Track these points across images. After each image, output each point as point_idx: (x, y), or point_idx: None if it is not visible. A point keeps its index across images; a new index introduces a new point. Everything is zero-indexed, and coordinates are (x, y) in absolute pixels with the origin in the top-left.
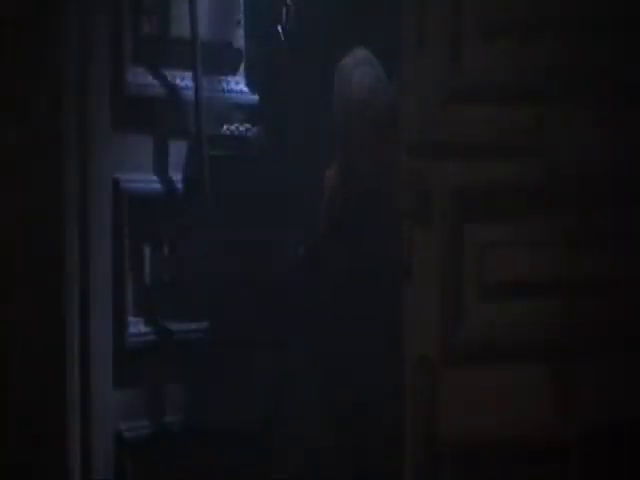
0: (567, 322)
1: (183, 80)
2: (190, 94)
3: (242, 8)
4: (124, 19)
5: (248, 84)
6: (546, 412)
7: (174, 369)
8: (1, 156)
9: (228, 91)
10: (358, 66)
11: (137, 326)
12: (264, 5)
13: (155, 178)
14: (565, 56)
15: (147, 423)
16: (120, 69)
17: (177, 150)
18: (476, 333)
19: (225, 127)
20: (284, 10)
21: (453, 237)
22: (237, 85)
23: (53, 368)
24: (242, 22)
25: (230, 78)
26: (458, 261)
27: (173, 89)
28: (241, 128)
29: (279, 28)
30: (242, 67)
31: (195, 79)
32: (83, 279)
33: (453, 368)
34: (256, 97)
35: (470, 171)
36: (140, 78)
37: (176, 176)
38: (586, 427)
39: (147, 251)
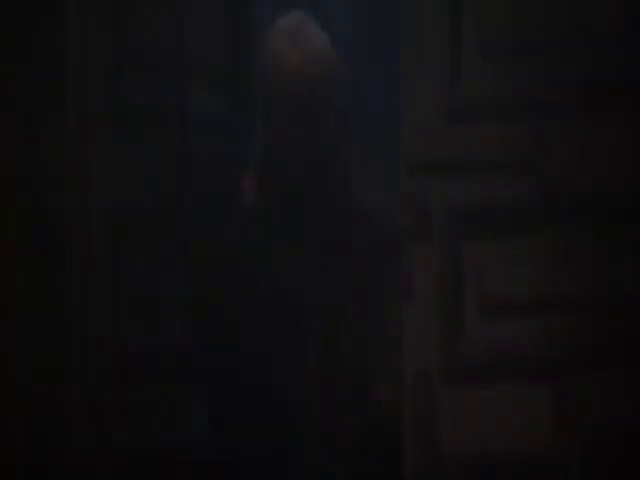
0: (567, 339)
1: (168, 96)
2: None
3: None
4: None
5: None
6: (547, 429)
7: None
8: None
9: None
10: (297, 31)
11: (135, 342)
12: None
13: (151, 193)
14: (565, 72)
15: (145, 436)
16: (115, 85)
17: (170, 164)
18: (476, 350)
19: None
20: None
21: (453, 254)
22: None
23: (51, 384)
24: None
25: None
26: (458, 278)
27: (164, 104)
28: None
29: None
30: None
31: (180, 96)
32: (82, 293)
33: (453, 384)
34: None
35: (470, 188)
36: (135, 94)
37: (167, 190)
38: (587, 444)
39: (144, 267)
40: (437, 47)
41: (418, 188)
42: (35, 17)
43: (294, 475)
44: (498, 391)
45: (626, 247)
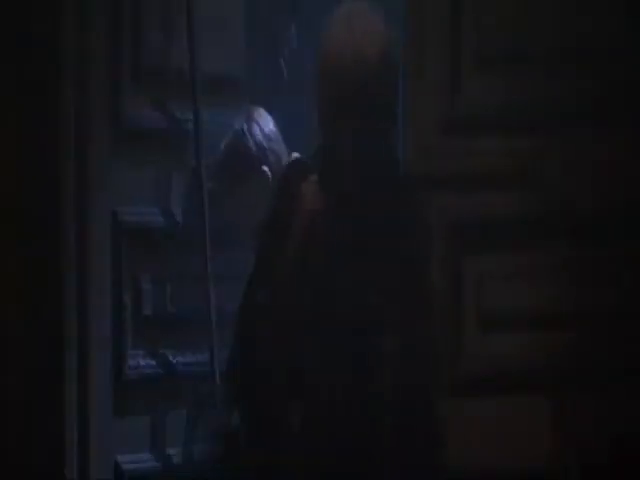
0: (567, 353)
1: (184, 112)
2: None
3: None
4: (124, 49)
5: None
6: (546, 443)
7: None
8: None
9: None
10: (353, 18)
11: (137, 358)
12: (267, 37)
13: (155, 210)
14: (565, 86)
15: (147, 456)
16: (119, 100)
17: (178, 182)
18: (476, 364)
19: None
20: (287, 42)
21: (452, 268)
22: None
23: (51, 401)
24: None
25: (231, 111)
26: (458, 292)
27: (174, 121)
28: None
29: (281, 61)
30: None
31: (195, 111)
32: (81, 312)
33: (453, 398)
34: None
35: (469, 202)
36: (140, 109)
37: (177, 208)
38: (587, 458)
39: (147, 283)
40: (437, 59)
41: None
42: (35, 18)
43: None
44: (498, 405)
45: (626, 261)
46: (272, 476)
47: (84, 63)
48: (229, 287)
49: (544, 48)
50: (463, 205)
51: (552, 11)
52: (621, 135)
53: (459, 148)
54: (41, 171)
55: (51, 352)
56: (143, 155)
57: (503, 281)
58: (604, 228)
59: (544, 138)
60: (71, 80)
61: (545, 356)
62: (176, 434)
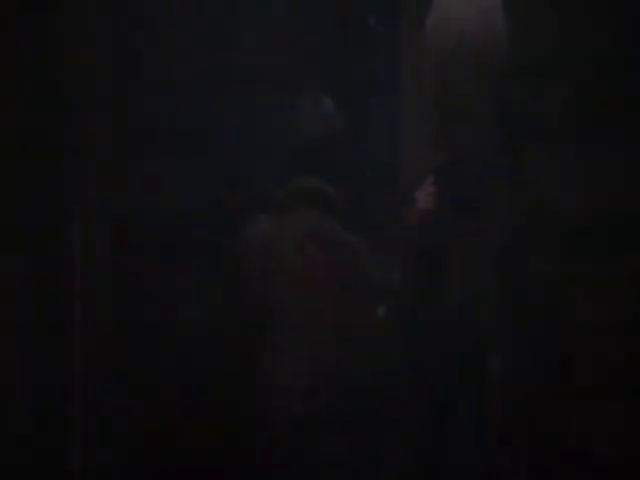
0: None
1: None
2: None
3: None
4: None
5: None
6: None
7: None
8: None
9: None
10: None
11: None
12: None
13: (159, 211)
14: (562, 94)
15: None
16: (126, 98)
17: (185, 182)
18: None
19: None
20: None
21: None
22: None
23: (51, 400)
24: None
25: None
26: None
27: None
28: None
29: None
30: None
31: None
32: (82, 312)
33: None
34: None
35: None
36: (149, 109)
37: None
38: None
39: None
40: None
41: None
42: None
43: None
44: None
45: (621, 273)
46: None
47: (85, 62)
48: None
49: (543, 57)
50: None
51: (543, 23)
52: (622, 143)
53: None
54: (41, 171)
55: (51, 352)
56: (151, 154)
57: None
58: (606, 238)
59: (546, 147)
60: (71, 80)
61: None
62: None
